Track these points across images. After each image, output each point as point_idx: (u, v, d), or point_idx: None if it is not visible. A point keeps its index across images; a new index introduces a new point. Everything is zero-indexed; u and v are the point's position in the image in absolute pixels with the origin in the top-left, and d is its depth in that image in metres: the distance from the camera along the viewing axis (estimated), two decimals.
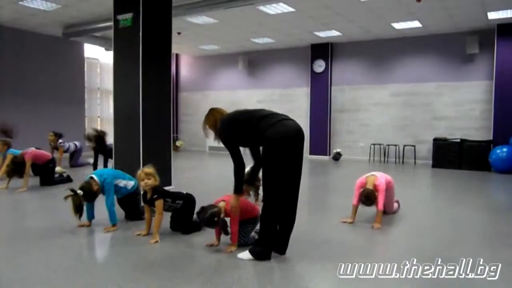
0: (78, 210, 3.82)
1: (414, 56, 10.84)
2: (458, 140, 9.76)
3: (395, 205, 4.84)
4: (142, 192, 3.82)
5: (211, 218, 3.21)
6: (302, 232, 3.79)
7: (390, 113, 11.17)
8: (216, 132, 3.38)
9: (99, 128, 8.28)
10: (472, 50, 9.78)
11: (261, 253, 3.10)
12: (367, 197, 4.12)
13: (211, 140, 3.58)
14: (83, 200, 3.85)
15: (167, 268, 2.99)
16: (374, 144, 11.23)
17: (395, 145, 10.94)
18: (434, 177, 8.55)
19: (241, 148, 3.28)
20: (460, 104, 10.30)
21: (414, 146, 10.72)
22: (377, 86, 11.34)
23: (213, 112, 3.44)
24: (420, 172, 9.23)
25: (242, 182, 3.25)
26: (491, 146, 9.41)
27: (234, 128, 3.21)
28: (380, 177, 4.30)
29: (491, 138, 9.60)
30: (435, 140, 10.05)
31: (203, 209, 3.27)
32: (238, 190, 3.25)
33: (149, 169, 3.70)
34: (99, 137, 7.32)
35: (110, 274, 2.89)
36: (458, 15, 8.72)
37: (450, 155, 9.69)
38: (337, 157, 11.48)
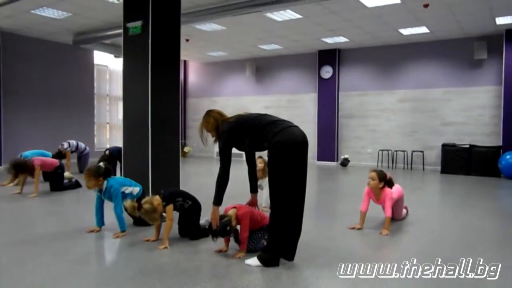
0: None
1: (422, 62, 10.82)
2: (467, 146, 9.70)
3: (404, 211, 4.83)
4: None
5: (224, 228, 3.21)
6: (310, 238, 3.79)
7: (398, 119, 11.14)
8: (217, 134, 3.32)
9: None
10: (480, 56, 9.74)
11: (269, 260, 3.11)
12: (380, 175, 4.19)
13: (210, 146, 3.56)
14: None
15: (176, 274, 3.01)
16: (382, 150, 11.19)
17: (403, 151, 10.89)
18: (443, 183, 8.49)
19: None
20: (468, 110, 10.24)
21: (423, 152, 10.66)
22: (385, 92, 11.32)
23: (211, 113, 3.37)
24: (429, 178, 9.18)
25: (223, 194, 3.21)
26: (500, 152, 9.33)
27: (238, 133, 3.21)
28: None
29: (500, 143, 9.53)
30: (443, 146, 9.99)
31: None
32: (218, 202, 3.22)
33: (149, 205, 3.58)
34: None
35: (120, 279, 2.92)
36: (466, 21, 8.70)
37: (459, 161, 9.63)
38: (345, 163, 11.45)
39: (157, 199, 3.64)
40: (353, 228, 4.28)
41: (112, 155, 7.62)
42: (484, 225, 4.66)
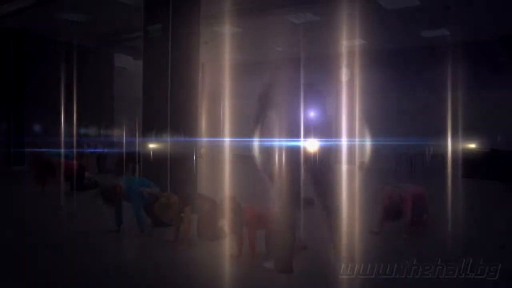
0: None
1: (443, 65, 10.62)
2: (490, 150, 9.49)
3: (424, 215, 4.74)
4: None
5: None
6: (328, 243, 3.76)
7: (418, 122, 10.97)
8: None
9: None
10: (504, 58, 9.53)
11: (280, 265, 3.06)
12: (391, 210, 4.09)
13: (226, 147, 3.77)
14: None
15: (194, 274, 3.02)
16: (401, 153, 11.04)
17: (423, 154, 10.71)
18: (464, 187, 8.32)
19: None
20: (492, 114, 10.02)
21: (443, 155, 10.47)
22: (404, 95, 11.17)
23: None
24: (449, 182, 9.00)
25: None
26: None
27: None
28: (406, 187, 4.27)
29: None
30: (465, 149, 9.80)
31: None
32: None
33: (165, 200, 3.71)
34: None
35: (137, 278, 2.94)
36: (489, 22, 8.53)
37: (481, 165, 9.41)
38: (362, 166, 11.33)
39: (174, 198, 3.69)
40: (372, 232, 4.23)
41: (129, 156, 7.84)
42: (506, 231, 4.55)
